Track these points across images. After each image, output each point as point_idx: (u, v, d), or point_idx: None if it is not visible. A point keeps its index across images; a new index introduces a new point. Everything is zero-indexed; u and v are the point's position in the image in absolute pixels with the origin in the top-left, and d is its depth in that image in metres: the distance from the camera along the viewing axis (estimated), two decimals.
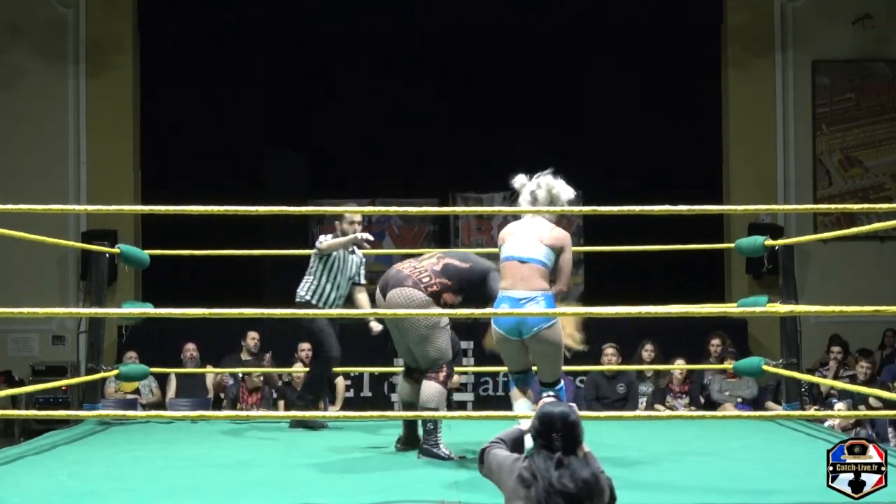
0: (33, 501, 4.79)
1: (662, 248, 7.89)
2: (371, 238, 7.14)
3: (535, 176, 5.60)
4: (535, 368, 5.57)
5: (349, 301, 7.44)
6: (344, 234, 7.18)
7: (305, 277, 7.36)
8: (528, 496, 3.51)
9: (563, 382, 5.53)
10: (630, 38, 13.07)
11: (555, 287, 5.41)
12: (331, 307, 7.24)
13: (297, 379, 9.56)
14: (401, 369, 6.20)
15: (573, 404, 3.86)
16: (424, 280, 5.86)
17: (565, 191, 5.55)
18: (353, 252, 7.39)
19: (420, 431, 5.93)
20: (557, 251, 5.40)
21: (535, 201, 5.53)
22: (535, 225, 5.48)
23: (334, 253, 7.25)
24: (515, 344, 5.39)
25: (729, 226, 12.52)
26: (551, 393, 5.35)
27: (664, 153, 12.84)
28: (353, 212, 7.19)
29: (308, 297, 7.25)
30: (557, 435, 3.59)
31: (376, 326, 7.24)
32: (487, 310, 5.60)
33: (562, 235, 5.48)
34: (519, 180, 5.65)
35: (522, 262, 5.34)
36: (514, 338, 5.35)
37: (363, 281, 7.46)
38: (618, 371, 9.15)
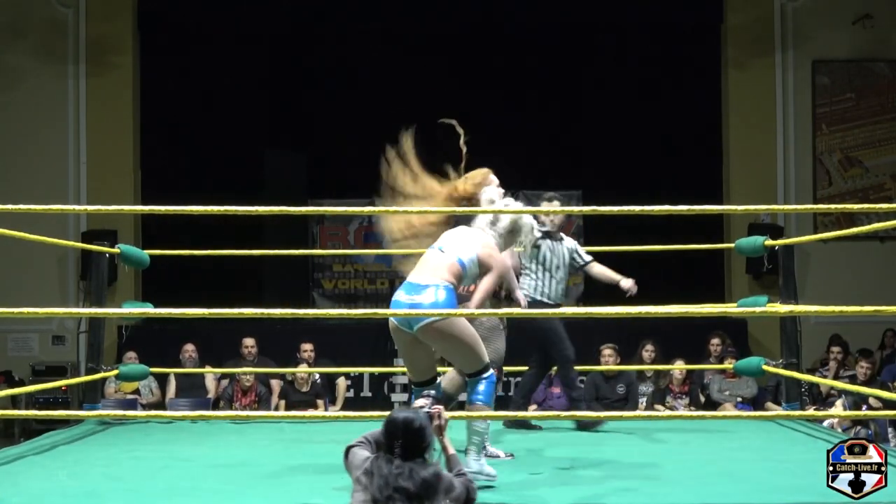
0: (33, 501, 4.79)
1: (662, 248, 7.89)
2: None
3: (504, 196, 5.46)
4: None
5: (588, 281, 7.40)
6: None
7: (521, 279, 7.19)
8: (368, 494, 3.56)
9: (491, 371, 5.10)
10: (630, 37, 13.07)
11: (474, 297, 5.15)
12: (558, 300, 7.27)
13: (299, 380, 9.56)
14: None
15: (428, 409, 3.71)
16: None
17: (527, 226, 5.35)
18: (560, 240, 7.41)
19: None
20: (484, 268, 5.12)
21: (493, 223, 5.31)
22: (478, 233, 5.25)
23: (542, 246, 7.27)
24: (408, 339, 5.02)
25: (729, 226, 12.52)
26: (431, 392, 4.96)
27: (664, 153, 12.85)
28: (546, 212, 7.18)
29: (535, 296, 7.22)
30: (398, 442, 3.62)
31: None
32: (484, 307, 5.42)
33: (497, 257, 5.19)
34: (487, 194, 5.45)
35: (441, 251, 5.12)
36: (406, 330, 5.00)
37: (587, 259, 7.47)
38: (618, 371, 9.15)
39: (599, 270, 7.48)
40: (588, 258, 7.53)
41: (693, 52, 13.06)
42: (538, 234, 5.51)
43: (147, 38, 12.97)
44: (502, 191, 5.51)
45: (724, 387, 9.68)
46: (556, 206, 7.30)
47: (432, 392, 4.73)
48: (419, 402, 4.10)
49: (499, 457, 6.05)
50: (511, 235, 5.35)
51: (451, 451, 3.80)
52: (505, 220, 5.31)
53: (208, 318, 5.17)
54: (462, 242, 5.15)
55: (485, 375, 5.04)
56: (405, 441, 3.62)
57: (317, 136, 13.40)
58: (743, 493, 4.90)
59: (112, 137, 12.62)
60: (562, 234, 7.50)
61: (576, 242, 7.63)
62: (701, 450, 6.29)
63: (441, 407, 4.02)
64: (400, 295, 5.01)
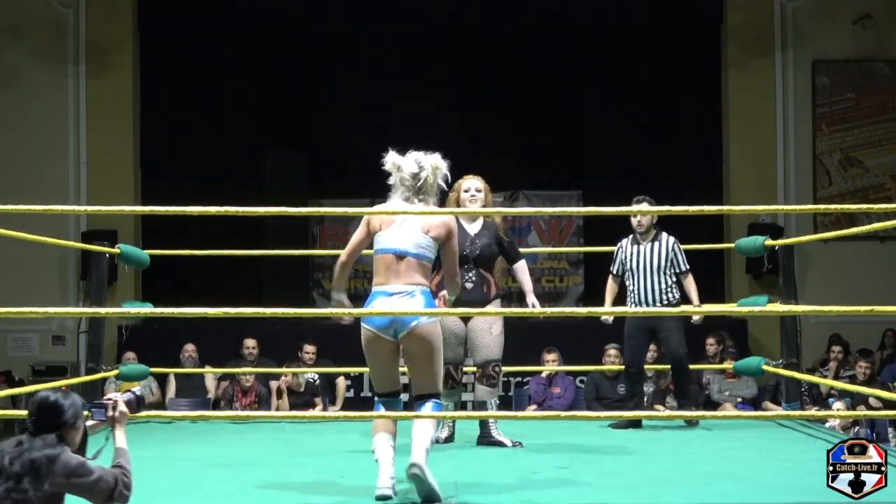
0: None
1: None
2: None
3: (411, 155, 5.01)
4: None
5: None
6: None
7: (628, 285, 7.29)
8: None
9: (440, 400, 4.80)
10: (630, 37, 13.06)
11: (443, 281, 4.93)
12: (656, 303, 7.16)
13: (293, 384, 9.55)
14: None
15: (74, 396, 3.75)
16: None
17: (443, 170, 4.93)
18: (653, 241, 7.23)
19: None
20: (442, 241, 4.80)
21: (423, 186, 4.86)
22: (415, 214, 4.80)
23: (630, 249, 7.22)
24: (387, 347, 4.72)
25: (729, 226, 12.52)
26: (136, 391, 4.18)
27: (664, 153, 12.84)
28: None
29: (632, 304, 7.19)
30: (31, 419, 3.68)
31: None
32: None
33: (447, 220, 4.84)
34: (390, 159, 5.01)
35: (399, 255, 4.73)
36: (389, 337, 4.70)
37: (686, 267, 7.26)
38: (619, 371, 9.14)
39: (685, 284, 7.29)
40: (684, 267, 7.27)
41: (693, 52, 13.05)
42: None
43: (147, 38, 12.97)
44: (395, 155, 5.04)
45: (724, 387, 9.67)
46: (644, 207, 7.01)
47: (136, 391, 4.20)
48: (112, 395, 4.07)
49: (505, 445, 6.11)
50: (434, 190, 4.88)
51: (119, 444, 3.84)
52: (431, 178, 4.89)
53: (208, 318, 5.16)
54: (408, 235, 4.76)
55: (436, 400, 4.76)
56: (36, 418, 3.69)
57: (317, 136, 13.40)
58: (743, 493, 4.90)
59: (112, 137, 12.62)
60: (662, 234, 7.27)
61: (678, 244, 7.28)
62: (701, 450, 6.29)
63: (121, 400, 3.98)
64: (382, 303, 4.69)
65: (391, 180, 4.97)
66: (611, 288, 7.44)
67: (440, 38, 13.09)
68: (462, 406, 6.86)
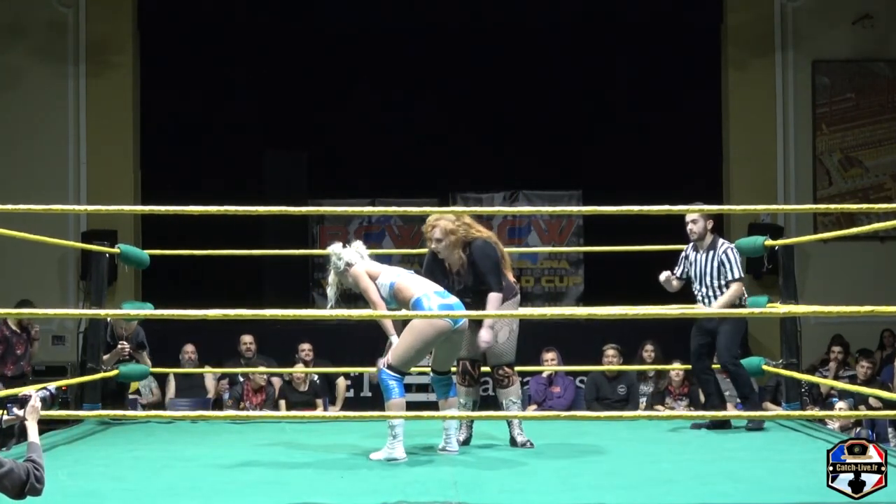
0: (33, 501, 4.78)
1: (662, 248, 7.87)
2: None
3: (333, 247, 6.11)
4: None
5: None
6: None
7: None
8: None
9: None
10: (630, 37, 13.07)
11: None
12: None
13: (297, 379, 9.56)
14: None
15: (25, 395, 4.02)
16: None
17: (346, 255, 6.06)
18: (708, 249, 7.02)
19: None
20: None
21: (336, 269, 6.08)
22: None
23: (691, 256, 7.10)
24: (454, 335, 5.90)
25: (729, 226, 12.52)
26: (51, 388, 4.52)
27: (664, 153, 12.84)
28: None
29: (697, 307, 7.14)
30: None
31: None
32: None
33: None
34: (332, 248, 6.12)
35: (411, 273, 6.08)
36: (456, 326, 5.84)
37: (734, 276, 6.95)
38: (619, 371, 9.14)
39: (729, 289, 6.97)
40: (732, 275, 6.94)
41: (693, 52, 13.05)
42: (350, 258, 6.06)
43: (147, 38, 12.97)
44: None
45: (723, 387, 9.65)
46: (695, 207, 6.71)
47: (51, 388, 4.43)
48: (27, 391, 4.13)
49: (526, 446, 6.11)
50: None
51: (31, 439, 3.91)
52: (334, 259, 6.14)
53: (208, 318, 5.17)
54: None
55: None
56: None
57: (317, 136, 13.40)
58: (743, 493, 4.90)
59: (112, 137, 12.62)
60: (719, 241, 7.05)
61: (728, 253, 6.99)
62: (701, 450, 6.28)
63: (36, 396, 4.04)
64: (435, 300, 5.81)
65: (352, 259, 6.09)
66: (669, 280, 7.27)
67: (440, 39, 13.09)
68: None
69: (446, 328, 5.79)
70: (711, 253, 7.02)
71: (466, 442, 6.36)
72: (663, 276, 7.23)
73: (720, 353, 7.18)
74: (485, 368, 6.52)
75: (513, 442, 6.29)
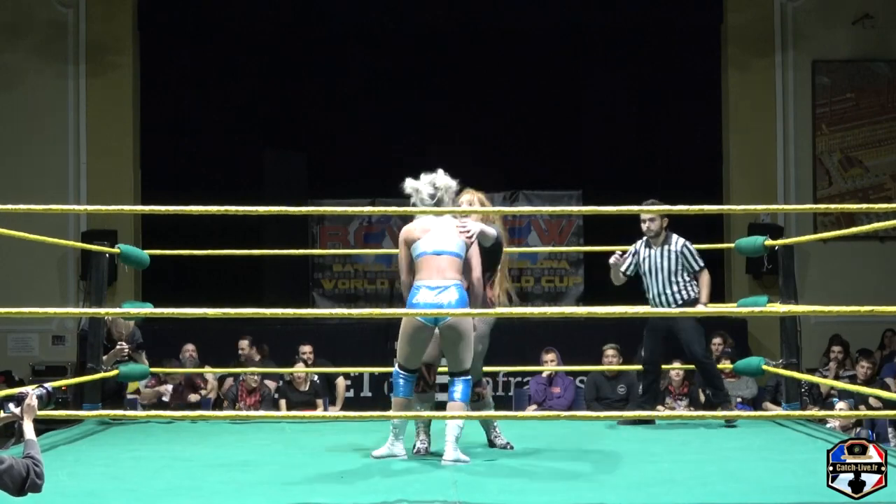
0: (33, 501, 4.78)
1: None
2: None
3: (424, 177, 5.81)
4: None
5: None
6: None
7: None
8: None
9: (470, 376, 5.68)
10: (630, 37, 13.07)
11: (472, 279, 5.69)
12: (669, 304, 7.16)
13: (297, 379, 9.57)
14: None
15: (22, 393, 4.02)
16: None
17: (453, 188, 5.86)
18: (663, 244, 7.25)
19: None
20: (469, 245, 5.69)
21: (440, 202, 5.76)
22: (445, 222, 5.73)
23: (642, 253, 7.26)
24: (429, 333, 5.63)
25: (729, 226, 12.53)
26: (47, 386, 4.56)
27: (664, 153, 12.85)
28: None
29: (651, 304, 7.26)
30: None
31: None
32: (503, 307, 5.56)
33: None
34: (409, 184, 5.83)
35: (438, 254, 5.60)
36: (430, 324, 5.59)
37: (700, 265, 7.25)
38: (618, 371, 9.14)
39: (699, 282, 7.27)
40: (698, 265, 7.25)
41: (693, 52, 13.06)
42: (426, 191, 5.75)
43: (147, 38, 12.98)
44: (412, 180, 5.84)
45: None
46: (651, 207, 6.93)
47: (48, 386, 4.33)
48: (24, 389, 4.12)
49: (504, 447, 6.06)
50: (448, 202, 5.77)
51: (28, 436, 3.97)
52: (447, 196, 5.80)
53: (208, 318, 5.16)
54: (444, 239, 5.67)
55: (464, 378, 5.65)
56: None
57: (317, 136, 13.41)
58: (743, 493, 4.90)
59: (112, 137, 12.62)
60: (672, 237, 7.27)
61: (687, 246, 7.27)
62: (701, 450, 6.28)
63: (33, 394, 4.05)
64: (425, 294, 5.53)
65: (412, 201, 5.78)
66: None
67: (440, 40, 13.10)
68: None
69: (418, 325, 5.59)
70: (666, 248, 7.27)
71: (427, 451, 5.89)
72: (613, 258, 7.36)
73: (691, 349, 7.27)
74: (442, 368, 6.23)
75: (491, 445, 6.16)
